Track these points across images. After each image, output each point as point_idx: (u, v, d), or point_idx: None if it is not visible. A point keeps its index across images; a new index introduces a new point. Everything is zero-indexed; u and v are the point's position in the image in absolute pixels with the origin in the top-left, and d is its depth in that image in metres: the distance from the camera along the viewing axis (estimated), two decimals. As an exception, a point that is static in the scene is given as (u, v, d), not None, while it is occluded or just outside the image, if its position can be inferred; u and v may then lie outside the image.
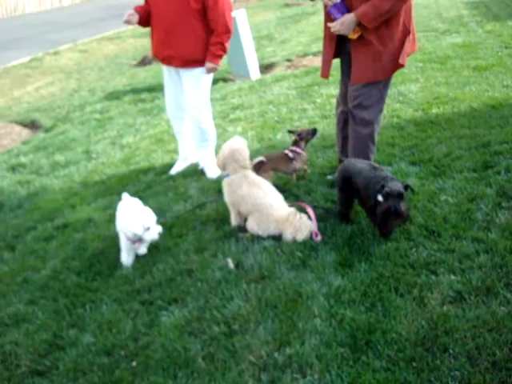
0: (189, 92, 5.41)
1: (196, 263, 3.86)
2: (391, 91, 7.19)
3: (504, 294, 3.09)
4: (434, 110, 6.34)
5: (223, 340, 3.08)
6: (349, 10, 4.10)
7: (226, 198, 4.30)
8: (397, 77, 7.71)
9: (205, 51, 5.21)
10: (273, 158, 4.84)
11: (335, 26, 4.14)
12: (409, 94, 7.17)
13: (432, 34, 11.92)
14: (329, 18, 4.26)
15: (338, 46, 4.43)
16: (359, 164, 3.98)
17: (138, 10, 5.24)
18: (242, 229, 4.22)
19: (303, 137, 4.93)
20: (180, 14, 5.09)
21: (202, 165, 5.67)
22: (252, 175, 4.29)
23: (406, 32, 4.23)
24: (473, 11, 14.98)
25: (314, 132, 4.99)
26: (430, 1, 18.10)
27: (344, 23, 4.10)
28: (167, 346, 3.12)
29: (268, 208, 4.05)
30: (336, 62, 4.57)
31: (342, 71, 4.68)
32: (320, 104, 7.29)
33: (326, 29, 4.41)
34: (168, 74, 5.57)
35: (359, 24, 4.07)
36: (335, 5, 4.12)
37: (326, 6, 4.24)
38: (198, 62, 5.26)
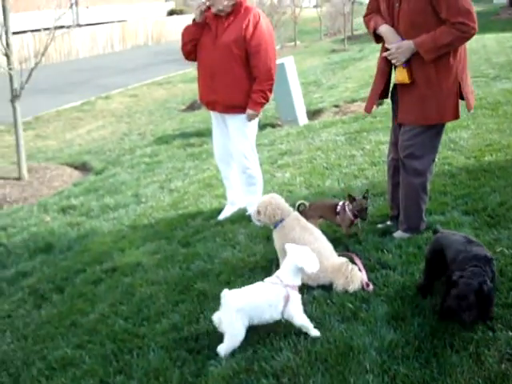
0: (235, 137, 5.47)
1: (244, 312, 3.81)
2: (442, 138, 7.10)
3: None
4: (487, 158, 6.22)
5: (272, 393, 3.00)
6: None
7: (277, 243, 4.26)
8: (447, 123, 7.64)
9: (247, 98, 5.28)
10: (321, 205, 4.79)
11: (391, 51, 4.12)
12: (460, 141, 7.06)
13: (482, 80, 11.82)
14: (385, 49, 4.26)
15: (388, 85, 4.42)
16: (453, 236, 3.63)
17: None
18: None
19: (355, 207, 4.55)
20: (223, 60, 5.20)
21: (250, 211, 5.66)
22: (303, 220, 4.26)
23: (457, 82, 4.18)
24: (523, 56, 14.85)
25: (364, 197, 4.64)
26: (479, 46, 18.00)
27: (400, 48, 4.08)
28: (214, 398, 3.06)
29: (318, 255, 3.99)
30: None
31: (392, 117, 4.65)
32: (369, 150, 7.24)
33: (380, 62, 4.40)
34: (215, 120, 5.66)
35: (416, 54, 4.04)
36: None
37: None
38: (241, 108, 5.33)
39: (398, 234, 4.54)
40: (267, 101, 5.40)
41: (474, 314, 3.10)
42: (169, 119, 12.97)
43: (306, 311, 3.63)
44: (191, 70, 21.10)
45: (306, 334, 3.41)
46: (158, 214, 6.34)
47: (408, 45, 4.06)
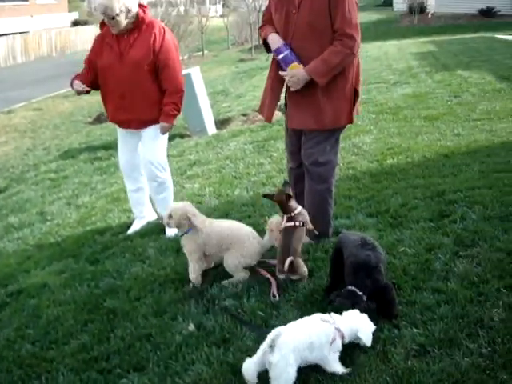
0: (147, 148, 5.41)
1: (155, 327, 3.74)
2: (346, 143, 7.32)
3: (467, 345, 3.08)
4: (389, 161, 6.46)
5: (185, 408, 2.97)
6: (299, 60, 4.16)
7: (187, 248, 4.24)
8: (350, 129, 7.87)
9: (160, 111, 5.24)
10: None
11: (286, 76, 4.18)
12: (363, 145, 7.29)
13: (383, 86, 12.28)
14: (277, 64, 4.32)
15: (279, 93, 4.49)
16: (351, 237, 3.68)
17: (82, 79, 5.22)
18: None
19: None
20: (133, 77, 5.12)
21: (162, 216, 5.62)
22: (216, 222, 4.39)
23: (353, 89, 4.32)
24: (422, 62, 15.55)
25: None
26: (380, 53, 18.73)
27: (294, 77, 4.15)
28: (127, 418, 2.99)
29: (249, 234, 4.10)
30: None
31: (286, 127, 4.71)
32: (276, 158, 7.34)
33: (272, 72, 4.46)
34: (124, 135, 5.55)
35: (311, 81, 4.13)
36: (286, 55, 4.17)
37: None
38: (156, 122, 5.28)
39: (306, 240, 4.60)
40: (179, 112, 5.38)
41: None
42: (75, 133, 12.64)
43: (217, 322, 3.63)
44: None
45: (217, 345, 3.40)
46: (64, 232, 6.14)
47: (302, 74, 4.13)
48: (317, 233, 4.25)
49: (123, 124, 5.45)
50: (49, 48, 34.69)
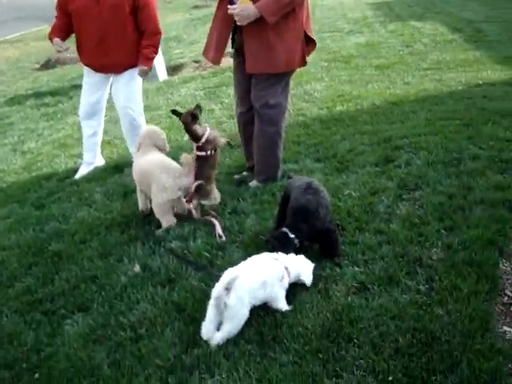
0: (125, 93, 5.34)
1: (100, 269, 3.74)
2: (297, 90, 7.31)
3: (405, 282, 3.18)
4: (338, 108, 6.49)
5: (129, 346, 2.99)
6: None
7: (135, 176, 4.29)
8: (302, 76, 7.86)
9: (138, 53, 5.15)
10: None
11: (235, 9, 4.05)
12: (314, 92, 7.30)
13: (337, 35, 12.23)
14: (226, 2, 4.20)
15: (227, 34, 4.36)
16: (298, 182, 3.72)
17: (58, 34, 5.09)
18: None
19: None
20: (114, 20, 4.99)
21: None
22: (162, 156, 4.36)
23: (303, 30, 4.28)
24: (376, 12, 15.49)
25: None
26: (336, 2, 18.58)
27: (243, 11, 4.03)
28: (71, 356, 2.99)
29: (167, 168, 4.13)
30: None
31: (235, 71, 4.65)
32: (227, 104, 7.30)
33: (219, 10, 4.33)
34: (92, 77, 5.41)
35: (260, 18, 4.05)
36: None
37: None
38: (134, 65, 5.22)
39: (254, 183, 4.64)
40: (157, 54, 5.30)
41: None
42: (21, 79, 12.22)
43: (163, 263, 3.65)
44: (45, 27, 20.01)
45: (162, 285, 3.42)
46: (9, 178, 6.01)
47: (252, 10, 4.02)
48: (232, 143, 4.53)
49: (103, 69, 5.30)
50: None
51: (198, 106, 4.26)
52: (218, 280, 2.88)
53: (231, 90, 7.77)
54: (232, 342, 2.84)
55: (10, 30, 20.31)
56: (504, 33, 11.02)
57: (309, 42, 4.39)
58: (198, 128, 4.18)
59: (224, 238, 3.85)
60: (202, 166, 4.18)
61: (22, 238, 4.42)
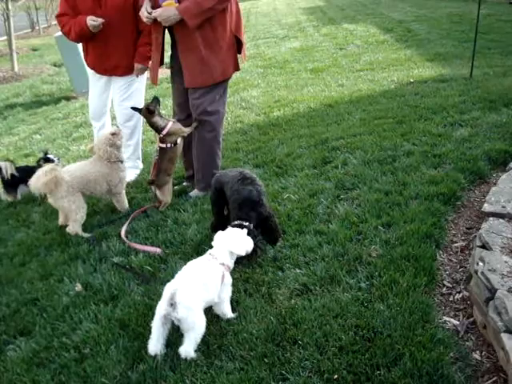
0: (127, 95, 5.28)
1: (41, 291, 3.65)
2: (234, 98, 7.35)
3: (346, 281, 3.24)
4: (275, 113, 6.55)
5: (74, 366, 2.93)
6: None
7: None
8: (239, 83, 7.91)
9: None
10: None
11: (156, 12, 4.15)
12: (251, 99, 7.35)
13: (272, 41, 12.36)
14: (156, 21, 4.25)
15: (163, 53, 4.48)
16: (230, 173, 3.82)
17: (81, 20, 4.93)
18: None
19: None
20: (116, 21, 4.92)
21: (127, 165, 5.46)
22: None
23: (233, 37, 4.34)
24: (310, 16, 15.74)
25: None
26: (270, 9, 18.79)
27: (164, 13, 4.12)
28: (15, 381, 2.92)
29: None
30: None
31: (172, 80, 4.69)
32: (164, 115, 7.22)
33: (154, 36, 4.42)
34: (98, 80, 5.35)
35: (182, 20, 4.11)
36: None
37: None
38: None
39: (194, 192, 4.65)
40: None
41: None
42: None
43: (105, 280, 3.60)
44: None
45: (105, 302, 3.38)
46: None
47: (173, 12, 4.09)
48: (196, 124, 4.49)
49: (105, 72, 5.22)
50: None
51: (155, 98, 4.44)
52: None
53: (168, 101, 7.77)
54: (176, 354, 2.83)
55: None
56: (433, 31, 11.38)
57: (240, 44, 4.45)
58: (158, 120, 4.40)
59: (159, 250, 3.86)
60: (162, 158, 4.41)
61: (-42, 266, 4.29)
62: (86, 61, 5.37)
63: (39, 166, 4.88)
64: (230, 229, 3.31)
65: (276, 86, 7.91)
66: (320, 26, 13.61)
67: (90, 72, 5.44)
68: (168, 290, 2.81)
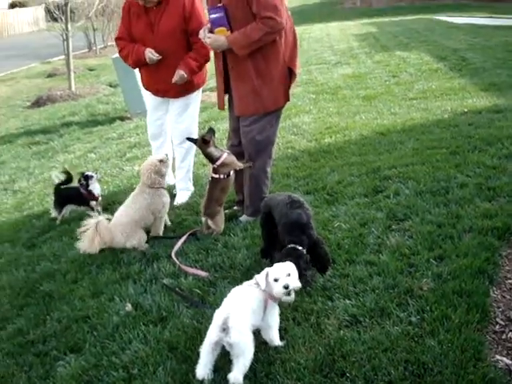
0: (182, 117, 5.40)
1: (92, 309, 3.73)
2: (286, 123, 7.39)
3: (397, 314, 3.19)
4: (327, 140, 6.55)
5: (122, 386, 2.98)
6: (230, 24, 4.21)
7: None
8: (291, 109, 7.95)
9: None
10: None
11: (208, 40, 4.30)
12: (302, 125, 7.37)
13: (324, 67, 12.39)
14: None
15: (228, 80, 4.53)
16: (278, 197, 3.84)
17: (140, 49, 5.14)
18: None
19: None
20: (168, 46, 5.07)
21: (179, 187, 5.62)
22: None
23: (287, 69, 4.39)
24: (362, 43, 15.72)
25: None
26: (323, 34, 18.87)
27: (215, 42, 4.27)
28: (64, 398, 2.99)
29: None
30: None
31: (229, 106, 4.76)
32: (217, 139, 7.31)
33: (216, 63, 4.53)
34: (156, 102, 5.52)
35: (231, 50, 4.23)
36: (219, 17, 4.20)
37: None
38: (188, 90, 5.30)
39: (244, 218, 4.68)
40: (199, 70, 5.26)
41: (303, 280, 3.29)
42: (12, 117, 12.31)
43: (155, 302, 3.65)
44: (36, 64, 20.18)
45: (154, 323, 3.42)
46: (1, 218, 6.02)
47: (222, 41, 4.21)
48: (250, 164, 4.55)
49: (159, 93, 5.39)
50: (-15, 31, 33.48)
51: (211, 129, 4.54)
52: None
53: (220, 125, 7.87)
54: (224, 379, 2.83)
55: (1, 68, 20.46)
56: (488, 60, 11.21)
57: (293, 76, 4.50)
58: (213, 151, 4.45)
59: (205, 274, 3.89)
60: (214, 188, 4.45)
61: (14, 279, 4.43)
62: (141, 80, 5.53)
63: (81, 185, 5.07)
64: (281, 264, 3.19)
65: (328, 113, 7.93)
66: (372, 53, 13.59)
67: (147, 92, 5.59)
68: (219, 315, 2.83)
